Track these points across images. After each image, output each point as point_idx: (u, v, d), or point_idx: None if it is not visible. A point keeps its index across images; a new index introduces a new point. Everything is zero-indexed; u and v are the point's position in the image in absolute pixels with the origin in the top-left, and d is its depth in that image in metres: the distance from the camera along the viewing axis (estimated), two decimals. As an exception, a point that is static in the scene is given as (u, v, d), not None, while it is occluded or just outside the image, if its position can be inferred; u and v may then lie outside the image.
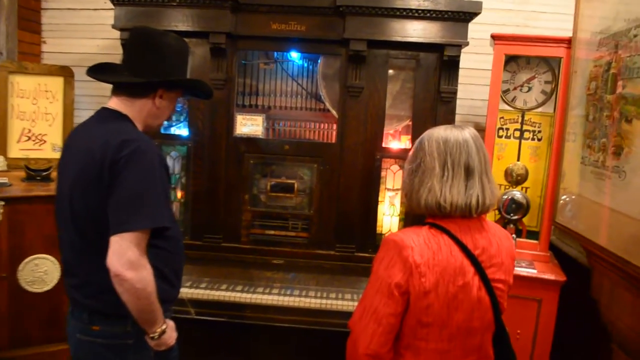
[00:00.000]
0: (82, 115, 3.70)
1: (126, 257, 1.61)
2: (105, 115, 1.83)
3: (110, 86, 1.89)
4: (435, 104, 2.93)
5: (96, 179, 1.67)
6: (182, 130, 3.24)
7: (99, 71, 1.91)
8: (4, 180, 3.01)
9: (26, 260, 2.98)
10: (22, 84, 3.39)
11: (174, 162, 3.13)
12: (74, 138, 1.86)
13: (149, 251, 1.73)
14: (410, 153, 1.69)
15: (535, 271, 2.77)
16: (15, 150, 3.36)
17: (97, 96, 3.84)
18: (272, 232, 3.10)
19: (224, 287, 2.92)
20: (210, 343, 3.04)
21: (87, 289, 1.79)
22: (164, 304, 1.78)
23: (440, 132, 1.62)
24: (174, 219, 1.96)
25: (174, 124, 3.32)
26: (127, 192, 1.64)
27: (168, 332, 1.83)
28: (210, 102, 2.99)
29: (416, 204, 1.63)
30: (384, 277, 1.54)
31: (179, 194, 3.16)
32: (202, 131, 3.05)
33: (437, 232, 1.56)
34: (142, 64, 1.85)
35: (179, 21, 2.89)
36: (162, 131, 3.11)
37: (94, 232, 1.72)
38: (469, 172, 1.56)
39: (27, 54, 3.91)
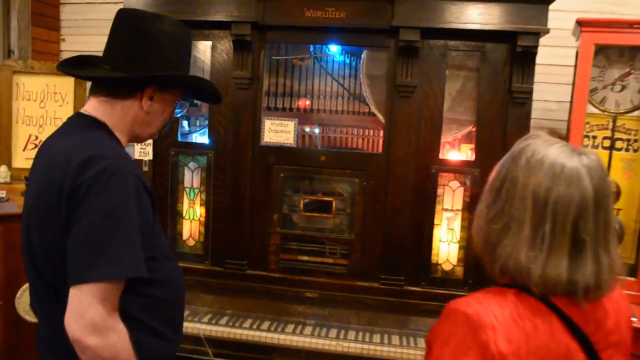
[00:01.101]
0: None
1: (87, 318, 1.17)
2: (76, 123, 1.39)
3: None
4: (505, 106, 2.39)
5: (53, 210, 1.23)
6: (202, 138, 2.80)
7: (74, 64, 1.48)
8: (2, 194, 2.64)
9: (24, 287, 2.60)
10: (29, 85, 3.02)
11: (192, 174, 2.70)
12: (39, 154, 1.43)
13: (132, 301, 1.29)
14: (492, 178, 1.17)
15: (635, 319, 2.18)
16: (21, 159, 3.00)
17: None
18: (305, 258, 2.62)
19: (247, 324, 2.46)
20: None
21: (54, 345, 1.36)
22: None
23: (547, 160, 1.06)
24: (168, 254, 1.49)
25: (192, 129, 2.89)
26: (89, 230, 1.18)
27: None
28: (233, 105, 2.55)
29: (489, 264, 1.12)
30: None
31: (198, 212, 2.71)
32: (224, 139, 2.60)
33: (529, 300, 1.04)
34: (126, 55, 1.40)
35: (196, 9, 2.45)
36: (180, 138, 2.68)
37: (53, 275, 1.29)
38: (577, 243, 1.02)
39: (44, 52, 3.58)
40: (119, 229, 1.19)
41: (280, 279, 2.60)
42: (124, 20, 1.44)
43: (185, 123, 2.90)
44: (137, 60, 1.39)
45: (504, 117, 2.39)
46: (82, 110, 1.42)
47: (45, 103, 3.08)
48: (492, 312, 1.01)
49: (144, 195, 1.29)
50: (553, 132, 3.20)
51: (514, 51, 2.32)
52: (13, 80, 2.95)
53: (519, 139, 1.16)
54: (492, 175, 1.17)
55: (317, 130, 2.72)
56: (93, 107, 1.40)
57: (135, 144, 2.67)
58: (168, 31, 1.44)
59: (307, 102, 2.73)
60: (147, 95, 1.41)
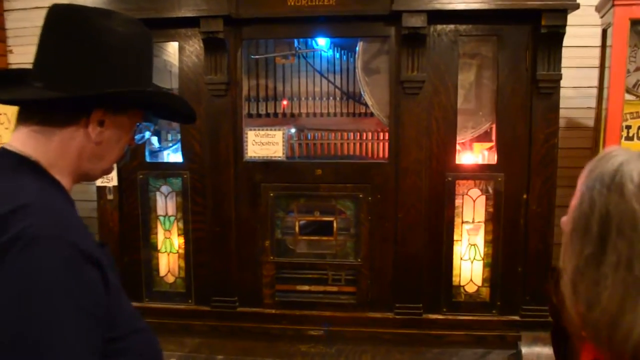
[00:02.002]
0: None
1: None
2: None
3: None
4: (530, 97, 2.03)
5: None
6: (176, 156, 2.39)
7: None
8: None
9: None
10: (-34, 106, 2.56)
11: (165, 200, 2.29)
12: None
13: None
14: (576, 217, 0.80)
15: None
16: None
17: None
18: (305, 287, 2.24)
19: (242, 373, 2.07)
20: None
21: None
22: None
23: None
24: (134, 326, 1.08)
25: (163, 146, 2.48)
26: None
27: None
28: (208, 115, 2.15)
29: (606, 332, 0.76)
30: None
31: (176, 243, 2.31)
32: (201, 156, 2.20)
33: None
34: (65, 67, 1.00)
35: (157, 4, 2.05)
36: (148, 158, 2.27)
37: None
38: None
39: (-12, 67, 3.12)
40: (37, 331, 0.79)
41: (277, 316, 2.22)
42: (60, 18, 1.03)
43: (154, 140, 2.49)
44: (79, 74, 0.99)
45: (528, 111, 2.04)
46: (7, 146, 1.01)
47: (-13, 126, 2.63)
48: None
49: (87, 268, 0.89)
50: (570, 123, 2.88)
51: (537, 33, 1.96)
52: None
53: (591, 161, 0.82)
54: (574, 213, 0.81)
55: (309, 137, 2.33)
56: (21, 140, 0.99)
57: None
58: (120, 32, 1.03)
59: (296, 106, 2.34)
60: (95, 119, 1.01)
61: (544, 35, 1.95)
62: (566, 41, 1.99)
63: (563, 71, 2.00)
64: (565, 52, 2.00)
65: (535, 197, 2.04)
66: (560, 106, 2.05)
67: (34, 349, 0.77)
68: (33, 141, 0.99)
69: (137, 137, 1.16)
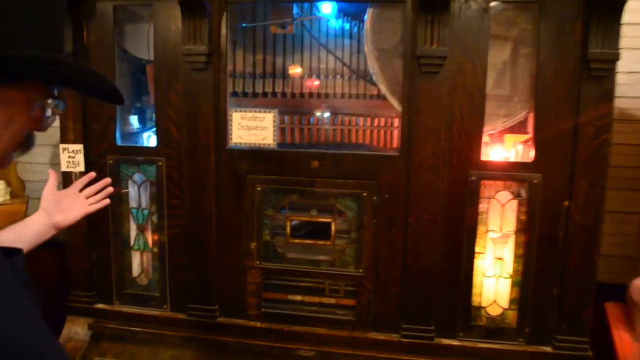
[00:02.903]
0: None
1: None
2: None
3: None
4: (578, 81, 1.63)
5: None
6: (151, 140, 2.07)
7: None
8: None
9: None
10: None
11: (138, 190, 1.97)
12: None
13: None
14: None
15: None
16: None
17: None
18: (298, 297, 1.91)
19: (218, 398, 1.76)
20: None
21: None
22: None
23: None
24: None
25: (143, 127, 2.16)
26: None
27: None
28: (187, 92, 1.82)
29: None
30: None
31: (150, 240, 2.00)
32: (178, 141, 1.87)
33: None
34: None
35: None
36: (120, 142, 1.95)
37: None
38: None
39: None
40: None
41: (263, 331, 1.90)
42: None
43: (133, 119, 2.17)
44: None
45: (574, 97, 1.64)
46: None
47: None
48: None
49: None
50: (621, 114, 2.45)
51: (590, 1, 1.56)
52: None
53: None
54: None
55: (303, 122, 1.97)
56: None
57: (61, 150, 1.96)
58: None
59: (291, 85, 1.98)
60: None
61: (599, 4, 1.55)
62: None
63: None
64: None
65: (580, 205, 1.65)
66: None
67: None
68: None
69: (45, 118, 0.83)
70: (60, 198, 1.47)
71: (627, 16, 1.94)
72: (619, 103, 2.32)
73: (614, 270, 2.23)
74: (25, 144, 0.82)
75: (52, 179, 1.47)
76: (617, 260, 2.34)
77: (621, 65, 2.07)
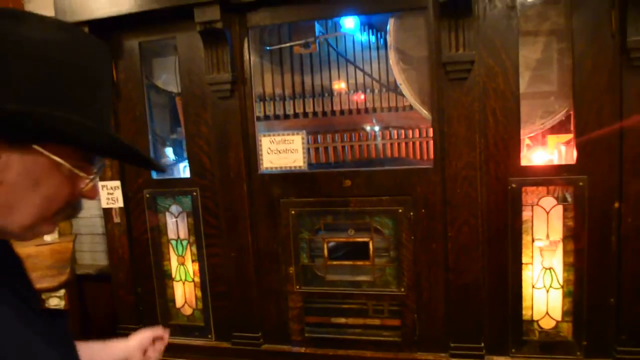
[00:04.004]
0: None
1: None
2: None
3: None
4: (619, 73, 1.52)
5: None
6: (187, 171, 2.09)
7: None
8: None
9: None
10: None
11: (176, 221, 1.99)
12: None
13: None
14: None
15: None
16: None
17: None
18: (341, 320, 1.86)
19: None
20: None
21: None
22: None
23: None
24: None
25: (179, 159, 2.19)
26: None
27: None
28: (215, 121, 1.83)
29: None
30: None
31: (191, 271, 2.01)
32: (211, 170, 1.87)
33: None
34: None
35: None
36: (154, 175, 1.98)
37: None
38: None
39: None
40: None
41: (308, 357, 1.86)
42: None
43: (169, 151, 2.20)
44: None
45: (617, 90, 1.53)
46: None
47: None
48: None
49: None
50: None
51: (626, -13, 1.46)
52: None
53: None
54: None
55: (335, 140, 1.94)
56: None
57: (100, 187, 2.00)
58: (35, 41, 0.67)
59: (319, 104, 1.95)
60: None
61: (637, -11, 1.44)
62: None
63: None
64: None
65: (631, 206, 1.53)
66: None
67: None
68: None
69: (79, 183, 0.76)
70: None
71: None
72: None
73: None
74: (69, 209, 0.76)
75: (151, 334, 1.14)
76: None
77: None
